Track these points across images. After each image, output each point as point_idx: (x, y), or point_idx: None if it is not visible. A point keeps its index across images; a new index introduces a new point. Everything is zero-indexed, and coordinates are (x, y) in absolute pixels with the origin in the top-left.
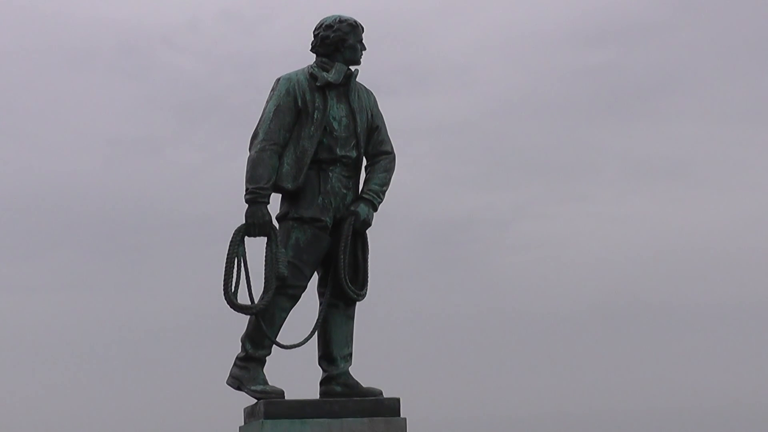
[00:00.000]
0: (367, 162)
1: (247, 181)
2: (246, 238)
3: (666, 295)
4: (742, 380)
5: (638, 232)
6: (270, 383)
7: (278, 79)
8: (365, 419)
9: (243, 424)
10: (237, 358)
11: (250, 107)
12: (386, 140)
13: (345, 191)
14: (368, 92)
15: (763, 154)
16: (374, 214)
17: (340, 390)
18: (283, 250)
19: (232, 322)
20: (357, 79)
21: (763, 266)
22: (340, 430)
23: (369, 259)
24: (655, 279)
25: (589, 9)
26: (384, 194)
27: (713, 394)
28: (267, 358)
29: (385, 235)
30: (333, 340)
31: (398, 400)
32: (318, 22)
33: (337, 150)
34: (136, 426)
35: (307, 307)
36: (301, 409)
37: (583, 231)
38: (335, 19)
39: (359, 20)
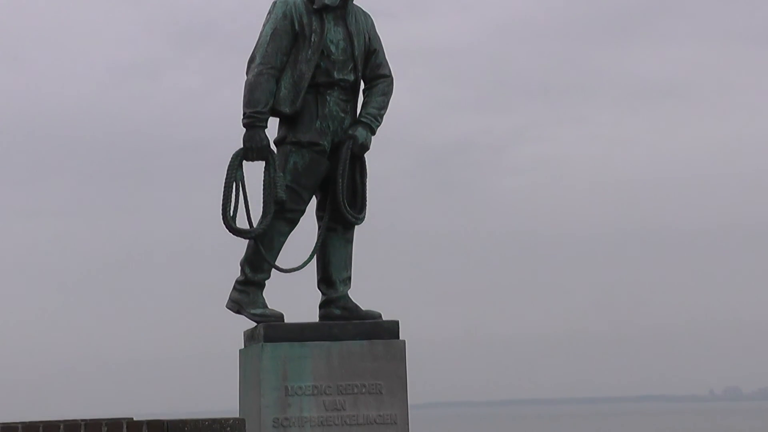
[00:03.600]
0: (365, 86)
1: (244, 106)
2: (244, 162)
3: (665, 216)
4: (737, 296)
5: (637, 154)
6: (269, 307)
7: (275, 2)
8: (364, 342)
9: (243, 347)
10: (236, 282)
11: (248, 31)
12: (384, 64)
13: (343, 115)
14: (365, 15)
15: (763, 76)
16: (372, 137)
17: (340, 313)
18: (281, 174)
19: (231, 247)
20: (354, 2)
21: (763, 186)
22: (340, 353)
23: (367, 183)
24: (655, 200)
25: None
26: (382, 118)
27: (712, 311)
28: (266, 281)
29: (383, 159)
30: (332, 264)
31: (397, 322)
32: None
33: (335, 73)
34: (137, 348)
35: (306, 231)
36: (301, 332)
37: (581, 153)
38: None
39: None
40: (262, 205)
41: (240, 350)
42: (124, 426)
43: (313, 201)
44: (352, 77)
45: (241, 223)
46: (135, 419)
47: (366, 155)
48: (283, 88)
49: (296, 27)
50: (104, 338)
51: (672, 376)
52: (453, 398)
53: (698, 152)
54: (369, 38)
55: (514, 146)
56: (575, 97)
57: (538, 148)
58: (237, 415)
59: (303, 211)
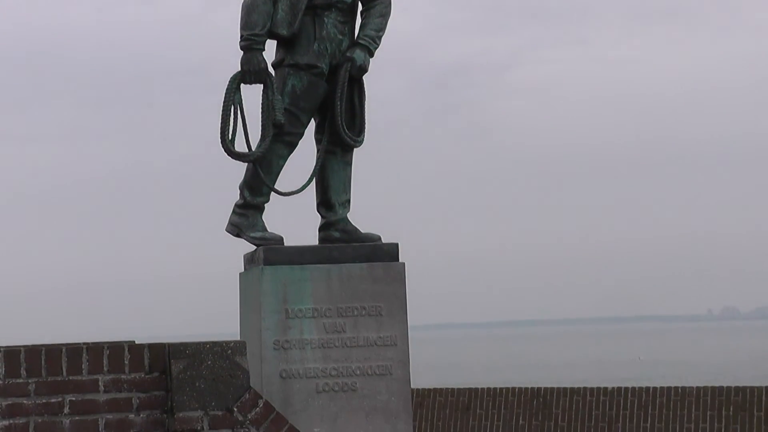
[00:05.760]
0: (363, 7)
1: (241, 28)
2: (242, 85)
3: (664, 135)
4: (735, 211)
5: (637, 75)
6: (269, 230)
7: None
8: (364, 264)
9: (243, 270)
10: (236, 205)
11: None
12: None
13: (341, 37)
14: None
15: None
16: (370, 59)
17: (339, 236)
18: (280, 97)
19: (230, 170)
20: None
21: (760, 104)
22: (339, 276)
23: (366, 105)
24: (655, 118)
25: None
26: (380, 39)
27: (711, 230)
28: (265, 205)
29: (381, 81)
30: (331, 187)
31: (396, 245)
32: None
33: None
34: (137, 271)
35: (305, 154)
36: (301, 255)
37: (581, 75)
38: None
39: None
40: (260, 128)
41: (240, 273)
42: (126, 349)
43: (312, 124)
44: None
45: (240, 146)
46: (136, 342)
47: (364, 77)
48: (280, 11)
49: None
50: (105, 262)
51: (670, 296)
52: (452, 319)
53: (697, 71)
54: None
55: (514, 67)
56: (575, 18)
57: (538, 69)
58: (238, 338)
59: (302, 134)
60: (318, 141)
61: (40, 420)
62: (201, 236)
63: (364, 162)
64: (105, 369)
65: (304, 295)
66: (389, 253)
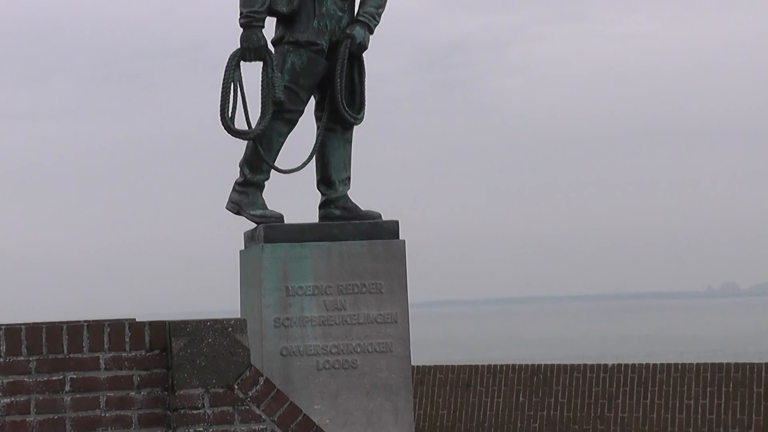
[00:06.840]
0: None
1: (241, 5)
2: (242, 62)
3: (665, 111)
4: (735, 187)
5: (638, 51)
6: (269, 207)
7: None
8: (364, 242)
9: (243, 248)
10: (236, 183)
11: None
12: None
13: (340, 14)
14: None
15: None
16: (370, 36)
17: (339, 213)
18: (279, 74)
19: (230, 148)
20: None
21: (761, 80)
22: (340, 253)
23: (366, 82)
24: (655, 96)
25: None
26: (380, 16)
27: (710, 200)
28: (265, 182)
29: (381, 58)
30: (331, 164)
31: (397, 222)
32: None
33: None
34: (138, 250)
35: (305, 131)
36: (301, 233)
37: (582, 51)
38: None
39: None
40: (260, 105)
41: (240, 251)
42: (126, 327)
43: (312, 101)
44: None
45: (240, 123)
46: (137, 320)
47: (364, 54)
48: None
49: None
50: (106, 240)
51: (670, 272)
52: (452, 297)
53: (698, 46)
54: None
55: (514, 44)
56: None
57: (538, 45)
58: (238, 316)
59: (302, 112)
60: (318, 118)
61: (41, 397)
62: (201, 214)
63: (364, 139)
64: (106, 347)
65: (305, 272)
66: (389, 230)
